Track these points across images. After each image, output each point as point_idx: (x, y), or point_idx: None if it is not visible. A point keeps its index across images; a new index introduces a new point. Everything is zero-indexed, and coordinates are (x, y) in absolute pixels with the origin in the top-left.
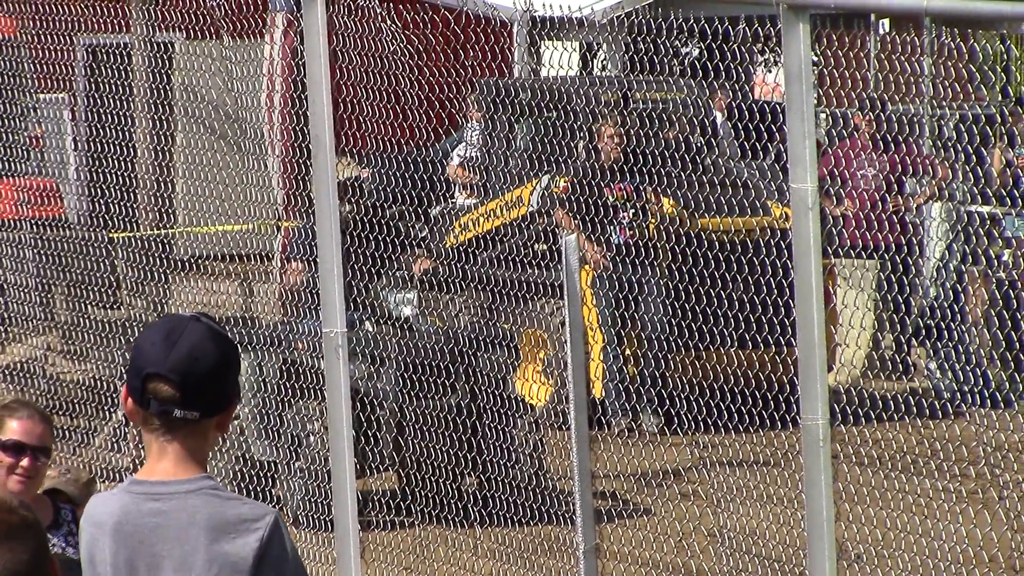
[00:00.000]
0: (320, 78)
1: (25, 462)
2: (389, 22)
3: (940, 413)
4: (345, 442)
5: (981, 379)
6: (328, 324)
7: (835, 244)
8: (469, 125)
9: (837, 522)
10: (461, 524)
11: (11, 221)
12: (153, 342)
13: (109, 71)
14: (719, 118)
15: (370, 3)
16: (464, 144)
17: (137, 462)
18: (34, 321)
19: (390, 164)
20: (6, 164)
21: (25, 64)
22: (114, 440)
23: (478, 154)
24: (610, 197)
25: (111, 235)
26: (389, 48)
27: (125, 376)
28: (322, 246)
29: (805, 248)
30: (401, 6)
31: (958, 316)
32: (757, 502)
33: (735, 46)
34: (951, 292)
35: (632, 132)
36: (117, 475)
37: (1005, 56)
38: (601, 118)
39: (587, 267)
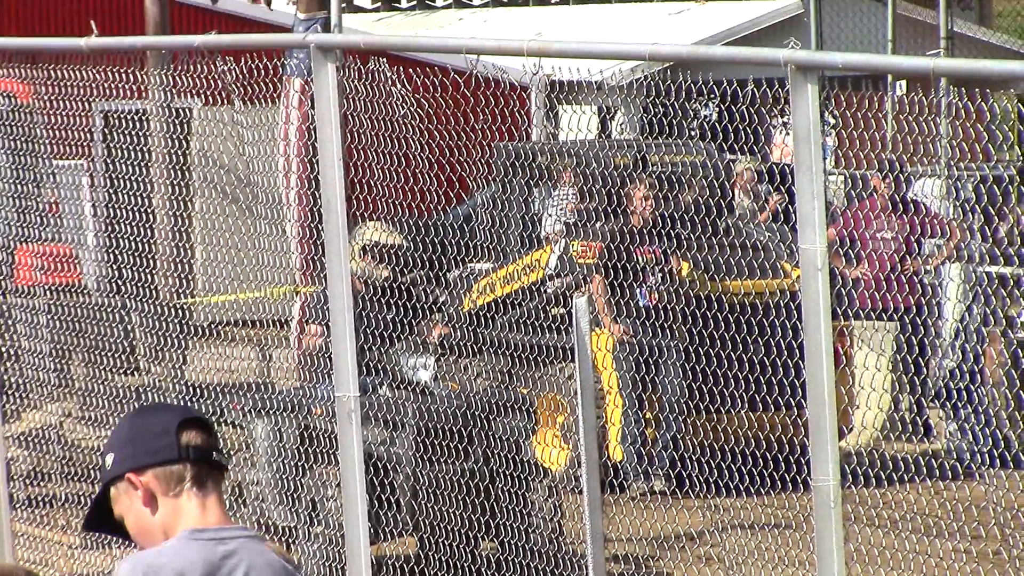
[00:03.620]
0: (331, 141)
1: None
2: (400, 86)
3: (958, 475)
4: (359, 506)
5: (1003, 440)
6: (341, 388)
7: (853, 306)
8: (559, 189)
9: None
10: None
11: (28, 287)
12: (159, 411)
13: (127, 137)
14: (739, 195)
15: (380, 67)
16: (555, 207)
17: None
18: (51, 388)
19: (414, 229)
20: (23, 230)
21: (41, 130)
22: None
23: (567, 217)
24: (640, 260)
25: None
26: (401, 112)
27: (127, 461)
28: (334, 310)
29: (814, 309)
30: (411, 70)
31: (977, 377)
32: (770, 564)
33: (751, 107)
34: (970, 353)
35: (659, 195)
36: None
37: (1016, 115)
38: (630, 181)
39: (604, 332)
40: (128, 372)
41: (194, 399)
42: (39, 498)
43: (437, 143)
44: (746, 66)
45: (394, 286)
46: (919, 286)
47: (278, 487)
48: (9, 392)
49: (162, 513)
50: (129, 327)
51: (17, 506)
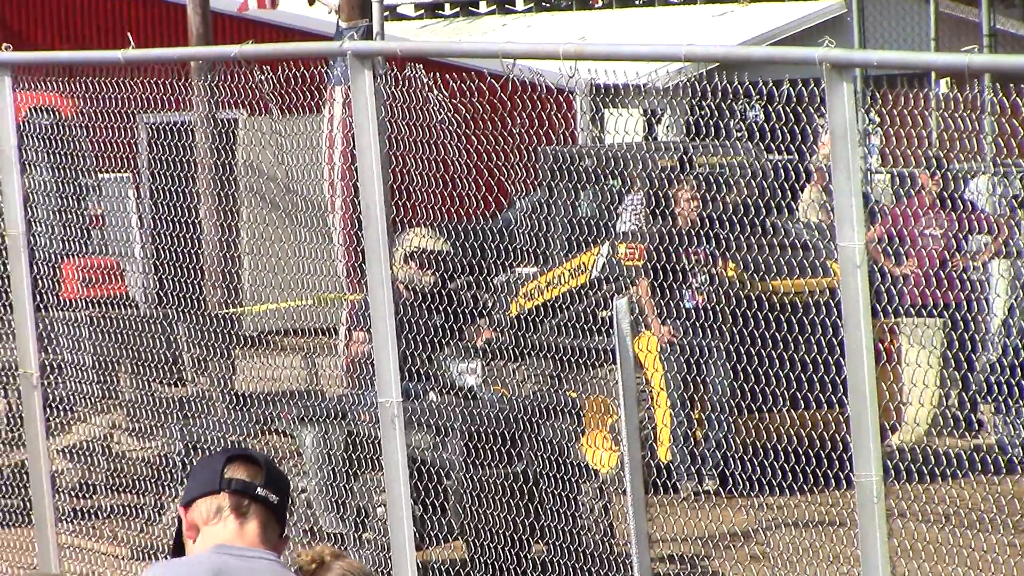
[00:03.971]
0: (370, 148)
1: None
2: (437, 91)
3: (1006, 469)
4: (404, 511)
5: None
6: (384, 394)
7: (903, 304)
8: (632, 195)
9: None
10: None
11: (73, 300)
12: (219, 453)
13: (172, 149)
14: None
15: (417, 73)
16: (628, 212)
17: None
18: (98, 400)
19: (463, 235)
20: (68, 244)
21: (84, 143)
22: None
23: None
24: (686, 262)
25: (209, 314)
26: (439, 117)
27: (182, 497)
28: (375, 316)
29: (854, 306)
30: (448, 75)
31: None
32: (819, 562)
33: (793, 107)
34: (1020, 348)
35: (704, 196)
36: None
37: None
38: (673, 183)
39: (650, 334)
40: (174, 383)
41: (241, 408)
42: (86, 510)
43: (478, 148)
44: (788, 66)
45: (439, 291)
46: (967, 282)
47: (327, 494)
48: (56, 405)
49: (201, 540)
50: (174, 338)
51: (63, 518)
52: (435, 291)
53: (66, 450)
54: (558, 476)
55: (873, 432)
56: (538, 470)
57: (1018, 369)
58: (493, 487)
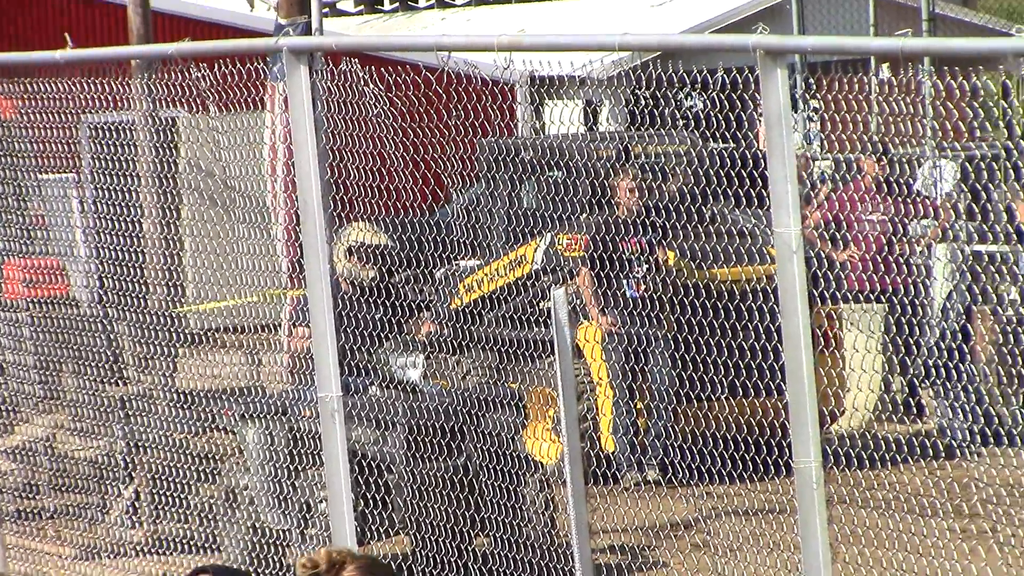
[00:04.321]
0: (306, 143)
1: None
2: (373, 86)
3: (951, 454)
4: (344, 504)
5: (996, 417)
6: (323, 388)
7: (842, 289)
8: None
9: (834, 564)
10: None
11: (14, 302)
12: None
13: (114, 148)
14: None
15: (353, 68)
16: None
17: (151, 537)
18: (41, 401)
19: (403, 228)
20: (9, 245)
21: (24, 144)
22: (127, 515)
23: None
24: (626, 251)
25: (152, 313)
26: (374, 111)
27: None
28: (314, 311)
29: (791, 292)
30: (384, 69)
31: (967, 356)
32: (763, 549)
33: (727, 94)
34: (957, 332)
35: (645, 185)
36: (131, 550)
37: (1000, 94)
38: (615, 172)
39: (592, 324)
40: (115, 382)
41: (184, 406)
42: (30, 511)
43: (416, 142)
44: (725, 54)
45: (381, 285)
46: (909, 267)
47: (270, 491)
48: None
49: None
50: (116, 337)
51: (6, 518)
52: (376, 285)
53: (10, 451)
54: (501, 469)
55: (812, 418)
56: (480, 463)
57: (955, 352)
58: (435, 480)
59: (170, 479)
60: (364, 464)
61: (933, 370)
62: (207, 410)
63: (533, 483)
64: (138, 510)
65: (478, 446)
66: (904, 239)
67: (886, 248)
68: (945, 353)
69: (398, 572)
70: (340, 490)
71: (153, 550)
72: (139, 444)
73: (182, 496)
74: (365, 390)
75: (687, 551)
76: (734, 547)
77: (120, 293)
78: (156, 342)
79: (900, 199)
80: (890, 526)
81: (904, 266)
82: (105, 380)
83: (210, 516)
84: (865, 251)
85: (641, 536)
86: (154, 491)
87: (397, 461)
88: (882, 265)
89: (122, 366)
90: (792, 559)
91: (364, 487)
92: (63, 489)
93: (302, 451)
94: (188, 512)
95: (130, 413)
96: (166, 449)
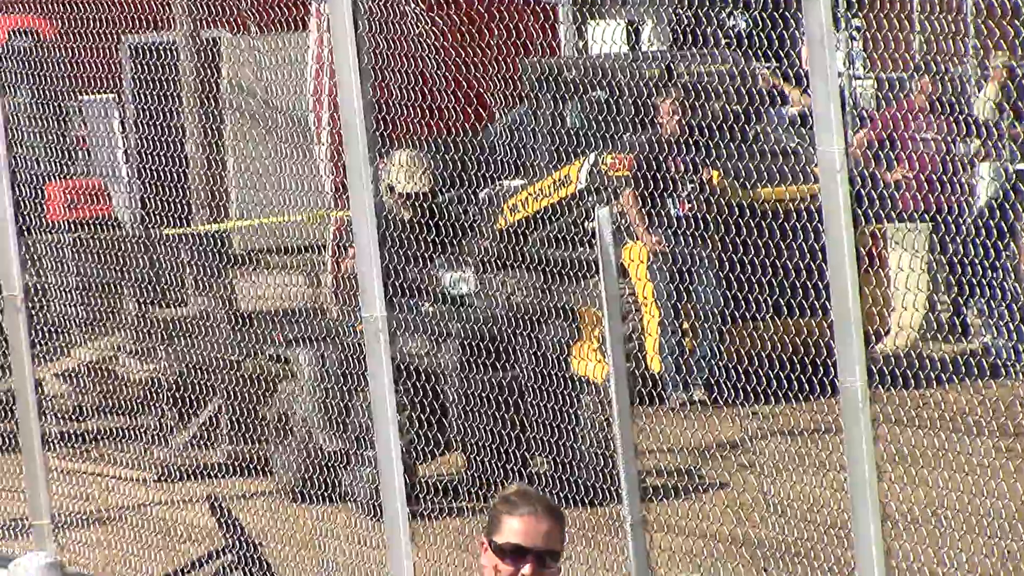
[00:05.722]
0: (348, 63)
1: (527, 569)
2: (415, 5)
3: (997, 372)
4: (390, 426)
5: None
6: (367, 308)
7: (896, 208)
8: None
9: (881, 483)
10: None
11: (58, 223)
12: None
13: (155, 69)
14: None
15: None
16: None
17: (231, 458)
18: (86, 323)
19: (447, 149)
20: (51, 165)
21: (66, 65)
22: (203, 438)
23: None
24: (671, 170)
25: (165, 232)
26: (422, 33)
27: None
28: (358, 232)
29: (835, 212)
30: None
31: (1011, 274)
32: (810, 469)
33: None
34: (1003, 251)
35: (688, 105)
36: (210, 472)
37: None
38: (658, 92)
39: (638, 243)
40: (175, 304)
41: (238, 328)
42: (76, 432)
43: (458, 61)
44: None
45: (427, 205)
46: (960, 185)
47: (325, 413)
48: (44, 328)
49: None
50: (157, 257)
51: (51, 441)
52: (422, 205)
53: (65, 375)
54: (550, 389)
55: (857, 338)
56: (534, 378)
57: (1000, 271)
58: (490, 392)
59: (243, 402)
60: (418, 376)
61: (978, 289)
62: (262, 332)
63: (589, 404)
64: (214, 432)
65: (535, 353)
66: (955, 158)
67: (941, 168)
68: (990, 271)
69: (447, 492)
70: (386, 411)
71: (204, 472)
72: (191, 366)
73: (253, 420)
74: (417, 308)
75: (733, 471)
76: (779, 467)
77: (163, 213)
78: (204, 262)
79: (952, 117)
80: (936, 445)
81: (958, 185)
82: (154, 301)
83: (266, 439)
84: (920, 170)
85: (688, 456)
86: (230, 414)
87: (451, 369)
88: (937, 185)
89: (167, 287)
90: (838, 478)
91: (417, 404)
92: (115, 411)
93: (355, 372)
94: (255, 435)
95: (175, 335)
96: (236, 373)
